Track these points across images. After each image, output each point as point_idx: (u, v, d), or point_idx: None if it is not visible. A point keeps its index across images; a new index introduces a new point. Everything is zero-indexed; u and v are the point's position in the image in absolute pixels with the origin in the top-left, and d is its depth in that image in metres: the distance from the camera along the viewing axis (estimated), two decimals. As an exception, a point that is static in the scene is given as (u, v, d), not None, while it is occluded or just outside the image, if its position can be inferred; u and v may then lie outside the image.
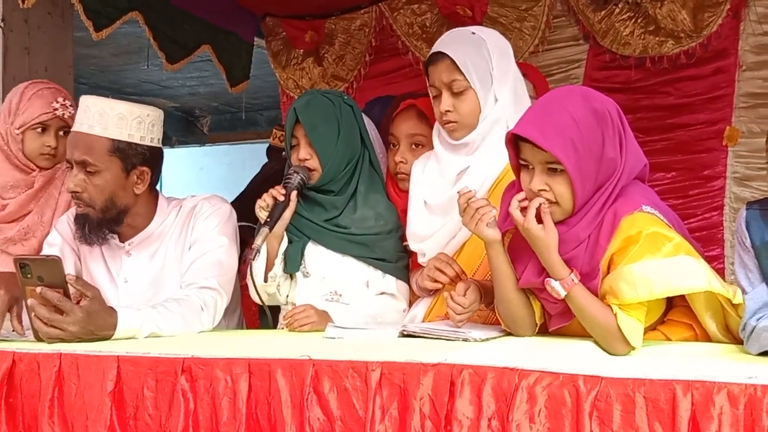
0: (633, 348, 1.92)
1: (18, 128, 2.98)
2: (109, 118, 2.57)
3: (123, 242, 2.71)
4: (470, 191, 2.13)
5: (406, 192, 2.80)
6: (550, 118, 2.00)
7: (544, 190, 2.00)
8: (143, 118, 2.63)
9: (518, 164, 2.07)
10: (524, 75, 2.71)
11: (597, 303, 1.98)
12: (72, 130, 2.65)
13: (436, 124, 2.62)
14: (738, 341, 2.03)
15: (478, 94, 2.50)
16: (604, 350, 1.94)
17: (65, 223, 2.78)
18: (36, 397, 2.07)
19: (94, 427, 1.98)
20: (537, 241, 2.00)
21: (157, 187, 2.81)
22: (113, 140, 2.57)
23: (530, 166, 2.04)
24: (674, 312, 2.17)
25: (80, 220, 2.62)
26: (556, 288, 1.98)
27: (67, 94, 3.08)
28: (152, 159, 2.66)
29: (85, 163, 2.56)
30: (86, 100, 2.62)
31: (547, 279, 2.00)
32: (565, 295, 1.99)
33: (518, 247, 2.11)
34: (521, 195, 2.05)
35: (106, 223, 2.62)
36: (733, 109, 3.95)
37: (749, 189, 3.90)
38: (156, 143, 2.69)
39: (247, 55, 5.10)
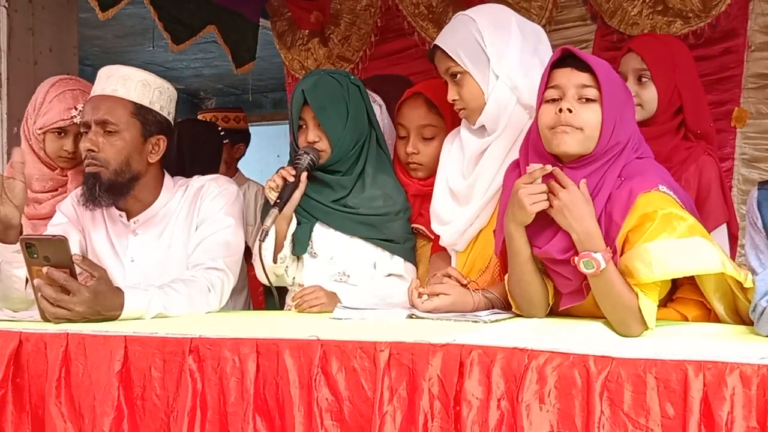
0: (648, 329, 1.91)
1: (39, 129, 2.99)
2: (132, 83, 2.62)
3: (129, 220, 2.70)
4: (547, 166, 2.03)
5: (417, 178, 2.80)
6: (591, 53, 2.05)
7: (571, 111, 1.99)
8: (163, 90, 2.70)
9: (542, 101, 2.07)
10: None
11: (623, 281, 1.95)
12: (92, 95, 2.66)
13: None
14: (744, 324, 2.02)
15: (474, 77, 2.47)
16: (616, 331, 1.93)
17: (69, 204, 2.78)
18: (43, 378, 2.06)
19: (101, 408, 1.98)
20: (582, 206, 1.96)
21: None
22: (136, 104, 2.62)
23: (557, 98, 2.03)
24: (683, 290, 2.16)
25: (90, 180, 2.59)
26: (598, 259, 1.92)
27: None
28: (168, 131, 2.70)
29: (106, 122, 2.57)
30: (109, 68, 2.67)
31: (585, 252, 1.94)
32: (603, 269, 1.93)
33: (538, 223, 2.08)
34: (539, 188, 2.03)
35: (116, 188, 2.60)
36: (742, 89, 3.93)
37: (757, 170, 3.88)
38: (171, 119, 2.73)
39: (253, 35, 5.09)
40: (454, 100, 2.52)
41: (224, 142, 4.37)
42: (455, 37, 2.49)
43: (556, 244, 2.04)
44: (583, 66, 2.02)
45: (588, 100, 2.01)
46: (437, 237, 2.66)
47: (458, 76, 2.48)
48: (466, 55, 2.46)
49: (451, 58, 2.47)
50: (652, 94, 2.84)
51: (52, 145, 2.99)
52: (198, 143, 4.08)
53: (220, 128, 4.47)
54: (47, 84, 3.05)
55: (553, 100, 2.04)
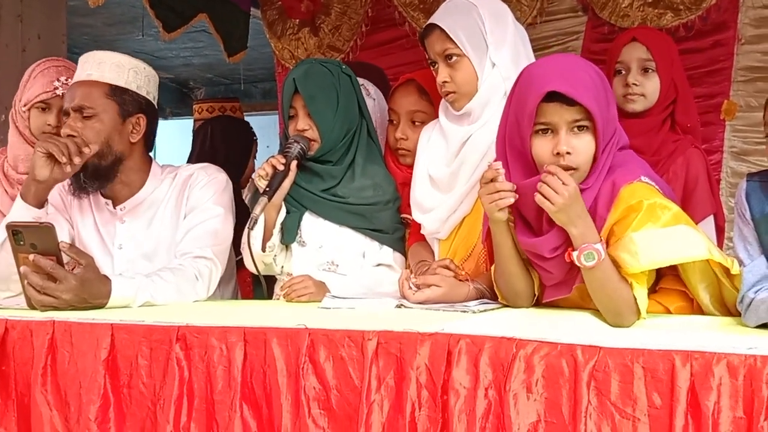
0: (640, 318, 1.91)
1: (24, 105, 2.99)
2: (106, 66, 2.64)
3: (115, 207, 2.69)
4: (500, 168, 2.04)
5: (407, 165, 2.80)
6: (573, 74, 1.99)
7: (570, 154, 1.97)
8: (138, 70, 2.70)
9: (531, 132, 2.02)
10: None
11: (616, 271, 1.93)
12: (71, 84, 2.67)
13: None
14: (730, 315, 2.02)
15: (472, 61, 2.46)
16: (609, 322, 1.91)
17: (56, 194, 2.76)
18: (29, 365, 2.05)
19: (87, 396, 1.97)
20: (581, 201, 1.93)
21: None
22: (110, 85, 2.62)
23: (549, 131, 2.00)
24: (666, 280, 2.15)
25: None
26: (600, 250, 1.89)
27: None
28: (148, 110, 2.70)
29: (82, 107, 2.58)
30: (85, 55, 2.69)
31: (585, 244, 1.91)
32: (603, 261, 1.90)
33: (528, 217, 2.08)
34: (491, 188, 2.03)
35: (101, 172, 2.61)
36: (732, 82, 3.94)
37: (746, 163, 3.90)
38: (152, 99, 2.72)
39: (244, 24, 5.09)
40: (444, 82, 2.48)
41: (255, 138, 4.37)
42: (455, 20, 2.47)
43: (547, 243, 2.02)
44: (570, 99, 1.97)
45: (580, 128, 1.98)
46: (415, 227, 2.66)
47: (454, 58, 2.46)
48: (466, 39, 2.45)
49: (450, 39, 2.45)
50: (656, 85, 2.85)
51: (36, 121, 3.00)
52: (229, 140, 4.08)
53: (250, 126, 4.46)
54: (34, 64, 3.08)
55: (543, 132, 2.01)
